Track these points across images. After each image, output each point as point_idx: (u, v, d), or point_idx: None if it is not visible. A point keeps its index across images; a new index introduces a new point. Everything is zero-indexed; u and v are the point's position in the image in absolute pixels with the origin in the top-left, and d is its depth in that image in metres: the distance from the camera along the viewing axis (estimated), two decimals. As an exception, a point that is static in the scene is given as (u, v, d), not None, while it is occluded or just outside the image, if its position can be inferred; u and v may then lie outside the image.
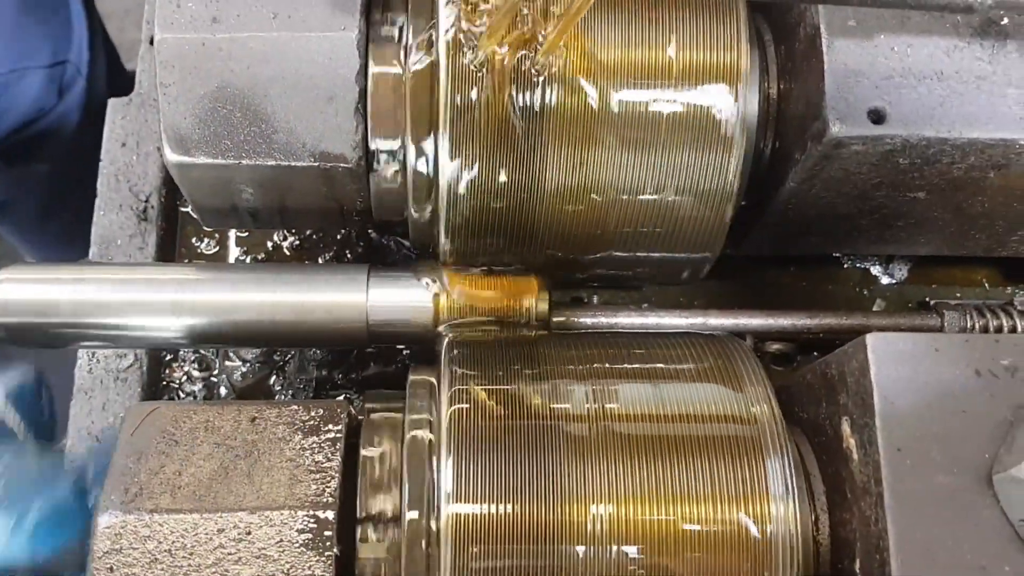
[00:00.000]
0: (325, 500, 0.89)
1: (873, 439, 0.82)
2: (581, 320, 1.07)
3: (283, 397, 1.27)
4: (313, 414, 0.95)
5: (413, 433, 0.93)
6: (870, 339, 0.85)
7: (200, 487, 0.89)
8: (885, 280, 1.36)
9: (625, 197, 0.99)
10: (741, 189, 1.03)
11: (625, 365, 0.97)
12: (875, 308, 1.33)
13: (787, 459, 0.89)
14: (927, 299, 1.34)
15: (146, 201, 1.34)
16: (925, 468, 0.81)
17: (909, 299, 1.35)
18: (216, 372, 1.29)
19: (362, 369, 1.27)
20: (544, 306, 1.05)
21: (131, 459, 0.91)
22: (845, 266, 1.36)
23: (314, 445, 0.93)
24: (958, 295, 1.34)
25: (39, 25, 1.88)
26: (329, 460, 0.92)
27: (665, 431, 0.90)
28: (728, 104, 0.96)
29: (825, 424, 0.92)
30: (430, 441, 0.92)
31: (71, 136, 1.92)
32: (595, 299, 1.28)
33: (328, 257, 1.34)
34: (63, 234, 2.19)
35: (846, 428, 0.88)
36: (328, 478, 0.90)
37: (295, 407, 0.96)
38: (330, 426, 0.94)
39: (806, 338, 1.20)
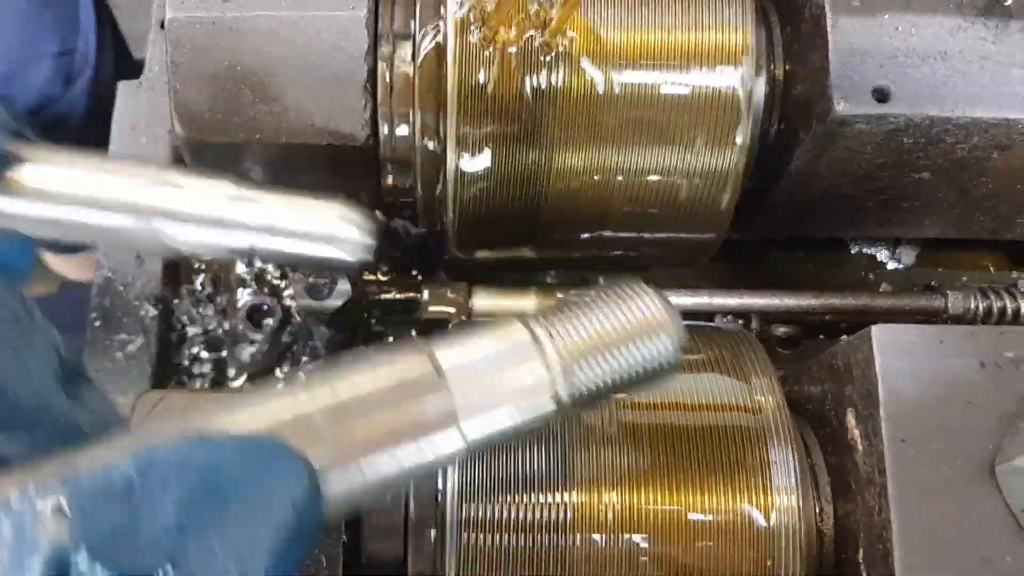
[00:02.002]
0: None
1: (877, 430, 0.83)
2: (587, 300, 1.07)
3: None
4: None
5: None
6: (875, 330, 0.85)
7: None
8: (892, 265, 1.36)
9: (631, 178, 1.00)
10: (747, 170, 1.03)
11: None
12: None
13: (792, 450, 0.89)
14: (933, 283, 1.34)
15: (156, 184, 1.35)
16: (929, 459, 0.81)
17: (915, 283, 1.34)
18: (225, 353, 1.29)
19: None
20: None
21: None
22: (852, 251, 1.36)
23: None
24: (964, 279, 1.34)
25: (46, 14, 1.88)
26: None
27: (672, 420, 0.91)
28: (734, 85, 0.96)
29: (830, 415, 0.93)
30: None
31: (78, 125, 1.91)
32: (601, 280, 1.28)
33: (336, 240, 1.33)
34: None
35: (851, 419, 0.88)
36: None
37: None
38: None
39: (811, 320, 1.21)
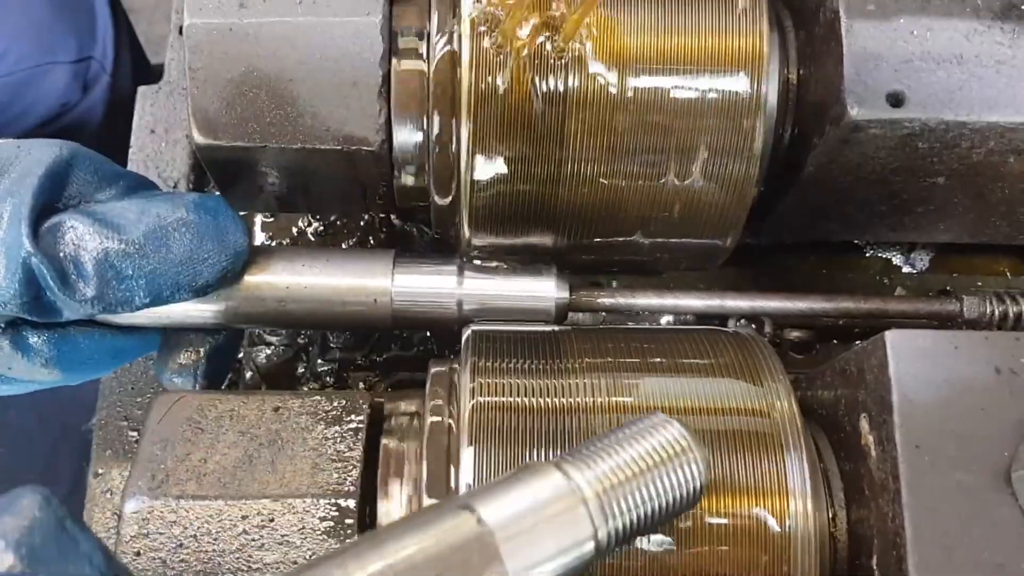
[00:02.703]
0: (347, 489, 0.90)
1: (891, 436, 0.82)
2: (600, 300, 1.07)
3: (307, 378, 1.28)
4: (336, 404, 0.96)
5: (434, 423, 0.94)
6: (889, 335, 0.84)
7: (225, 474, 0.91)
8: (906, 269, 1.36)
9: (645, 183, 1.00)
10: (760, 175, 1.03)
11: (645, 359, 0.97)
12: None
13: (805, 455, 0.89)
14: (948, 288, 1.34)
15: (174, 187, 1.36)
16: (943, 465, 0.81)
17: (931, 288, 1.35)
18: (241, 355, 1.30)
19: (384, 351, 1.29)
20: (565, 294, 1.06)
21: (158, 446, 0.92)
22: (866, 255, 1.36)
23: (336, 435, 0.94)
24: (979, 284, 1.34)
25: (64, 21, 1.91)
26: (351, 450, 0.93)
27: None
28: (749, 90, 0.96)
29: (844, 421, 0.92)
30: (450, 433, 0.93)
31: (95, 132, 1.96)
32: (613, 284, 1.29)
33: (351, 243, 1.35)
34: None
35: (864, 425, 0.87)
36: (350, 467, 0.91)
37: (318, 397, 0.97)
38: (352, 416, 0.95)
39: (825, 324, 1.20)
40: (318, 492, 0.90)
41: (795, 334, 1.27)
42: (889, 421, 0.83)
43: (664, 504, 0.78)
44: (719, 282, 1.33)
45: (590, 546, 0.75)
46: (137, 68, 2.07)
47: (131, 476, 0.91)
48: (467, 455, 0.89)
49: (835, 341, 1.30)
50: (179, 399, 0.97)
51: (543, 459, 0.87)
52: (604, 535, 0.75)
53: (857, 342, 1.26)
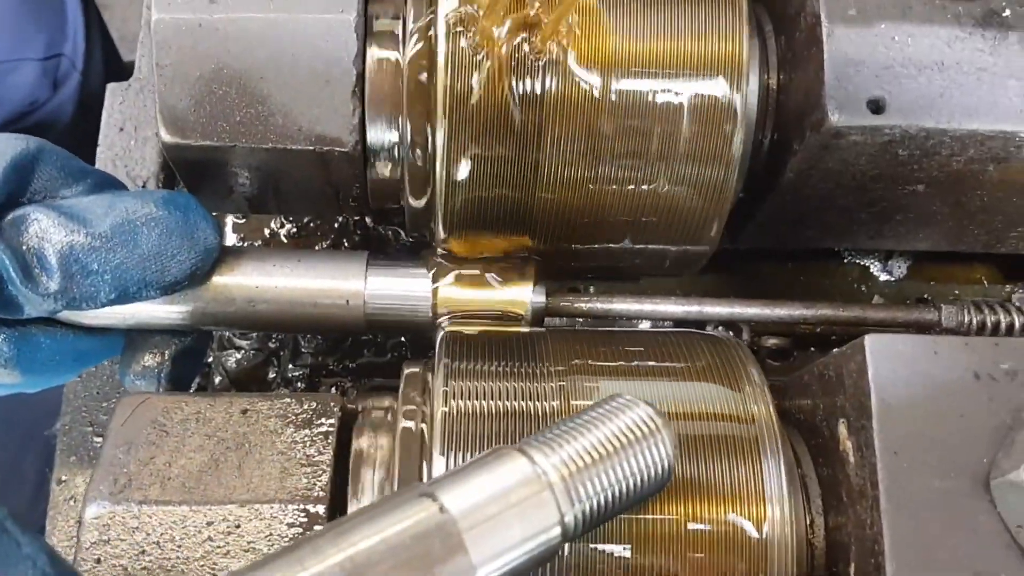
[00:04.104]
0: (316, 494, 0.88)
1: (870, 442, 0.81)
2: (576, 305, 1.06)
3: (277, 383, 1.26)
4: (306, 407, 0.94)
5: (406, 429, 0.92)
6: (868, 340, 0.84)
7: (190, 479, 0.89)
8: (884, 277, 1.35)
9: (624, 187, 0.99)
10: (740, 181, 1.02)
11: (622, 362, 0.96)
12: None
13: (783, 460, 0.88)
14: (925, 296, 1.34)
15: (143, 186, 1.33)
16: (922, 472, 0.80)
17: (908, 296, 1.35)
18: (210, 359, 1.28)
19: (356, 357, 1.27)
20: (542, 294, 1.05)
21: (120, 449, 0.90)
22: (844, 262, 1.35)
23: (306, 438, 0.92)
24: (956, 293, 1.34)
25: (33, 18, 1.88)
26: (321, 454, 0.91)
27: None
28: (728, 95, 0.95)
29: (822, 426, 0.91)
30: (423, 436, 0.92)
31: (66, 130, 1.94)
32: (591, 289, 1.27)
33: (325, 245, 1.33)
34: None
35: (843, 430, 0.86)
36: (319, 472, 0.90)
37: (287, 400, 0.95)
38: (322, 419, 0.93)
39: (802, 332, 1.20)
40: (286, 497, 0.88)
41: (773, 341, 1.27)
42: (868, 427, 0.82)
43: (632, 486, 0.77)
44: (696, 287, 1.32)
45: (556, 532, 0.73)
46: (109, 65, 2.05)
47: (92, 480, 0.89)
48: (439, 460, 0.87)
49: (812, 348, 1.30)
50: (144, 401, 0.95)
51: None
52: (571, 520, 0.74)
53: (835, 349, 1.24)
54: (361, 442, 0.94)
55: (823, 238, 1.19)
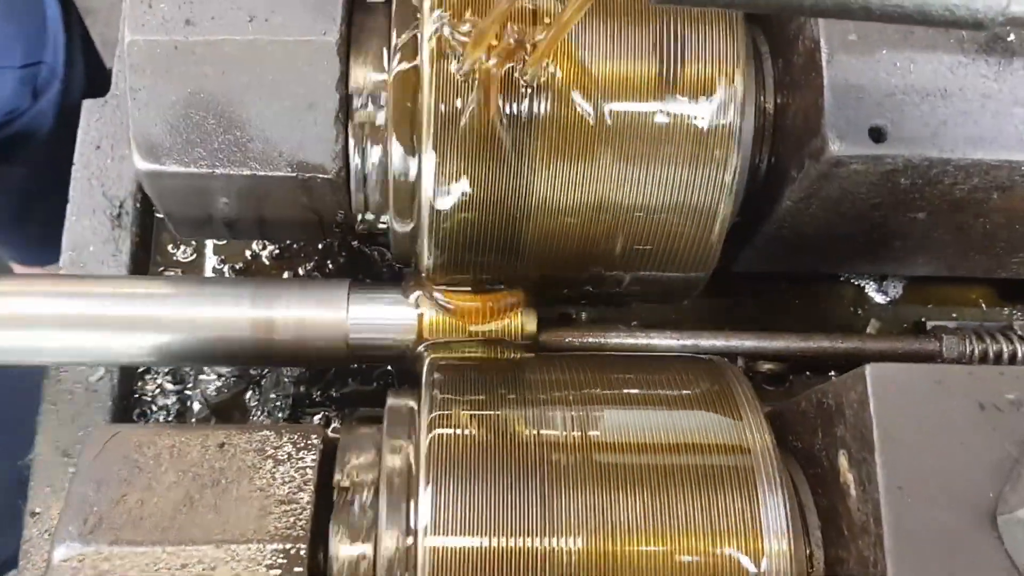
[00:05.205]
0: (296, 533, 0.85)
1: (873, 476, 0.79)
2: (568, 340, 1.04)
3: (259, 413, 1.22)
4: (285, 440, 0.91)
5: (391, 461, 0.90)
6: (870, 370, 0.81)
7: (164, 518, 0.85)
8: (879, 298, 1.33)
9: (616, 214, 0.96)
10: (735, 206, 0.99)
11: (615, 390, 0.94)
12: (870, 328, 1.30)
13: (783, 492, 0.85)
14: (922, 319, 1.31)
15: (120, 206, 1.29)
16: (927, 507, 0.78)
17: (904, 319, 1.31)
18: (190, 385, 1.25)
19: (341, 386, 1.23)
20: (532, 325, 1.02)
21: (91, 487, 0.87)
22: (839, 283, 1.32)
23: (286, 474, 0.89)
24: (954, 316, 1.31)
25: (11, 25, 1.84)
26: (301, 490, 0.88)
27: (655, 460, 0.87)
28: (724, 119, 0.92)
29: (821, 456, 0.89)
30: (409, 469, 0.89)
31: (47, 138, 1.89)
32: (583, 316, 1.24)
33: (309, 267, 1.29)
34: (40, 236, 2.15)
35: (843, 462, 0.84)
36: (300, 509, 0.87)
37: (266, 432, 0.92)
38: (303, 453, 0.90)
39: (799, 356, 1.17)
40: (265, 537, 0.85)
41: (768, 366, 1.24)
42: (870, 460, 0.80)
43: None
44: (687, 309, 1.29)
45: None
46: (91, 73, 2.01)
47: (61, 520, 0.86)
48: (425, 494, 0.84)
49: (808, 373, 1.26)
50: (116, 434, 0.92)
51: (507, 498, 0.83)
52: None
53: (832, 373, 1.22)
54: (344, 476, 0.91)
55: (820, 264, 1.17)
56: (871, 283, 1.33)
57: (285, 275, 1.28)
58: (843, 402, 0.84)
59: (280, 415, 1.22)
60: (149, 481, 0.87)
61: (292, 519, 0.86)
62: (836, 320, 1.31)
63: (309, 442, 0.91)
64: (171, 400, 1.25)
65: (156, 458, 0.89)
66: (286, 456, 0.90)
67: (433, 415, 0.89)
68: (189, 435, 0.91)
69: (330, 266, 1.30)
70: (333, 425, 1.21)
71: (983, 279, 1.30)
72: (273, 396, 1.22)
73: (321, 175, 0.95)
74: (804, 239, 1.06)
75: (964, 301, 1.32)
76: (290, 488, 0.88)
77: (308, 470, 0.89)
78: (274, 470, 0.89)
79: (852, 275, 1.32)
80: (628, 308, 1.25)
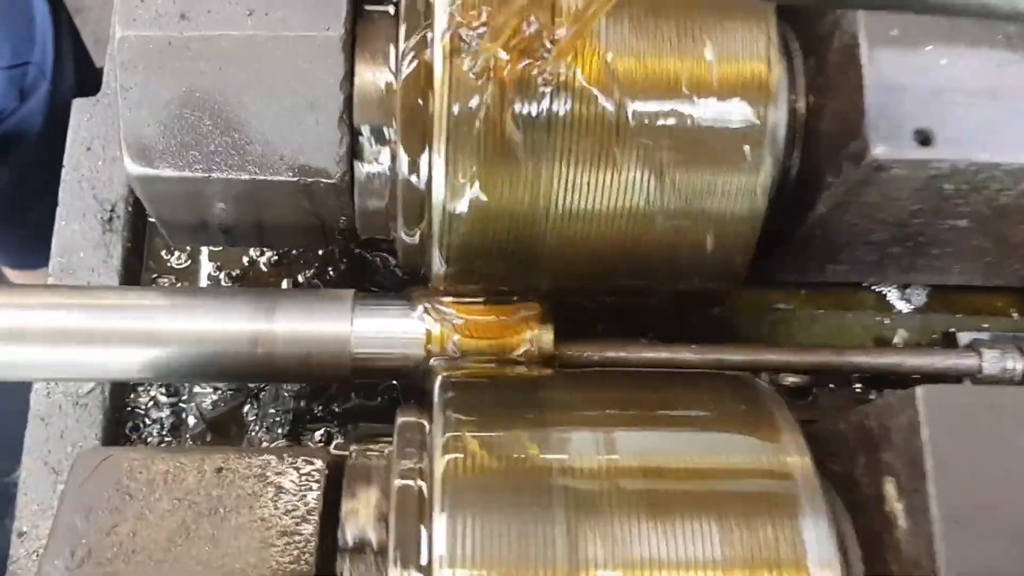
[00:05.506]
0: (301, 568, 0.80)
1: (925, 507, 0.74)
2: (587, 355, 0.98)
3: (257, 428, 1.17)
4: (288, 464, 0.86)
5: (402, 486, 0.84)
6: (921, 392, 0.76)
7: (157, 550, 0.80)
8: (902, 306, 1.27)
9: (640, 221, 0.91)
10: (766, 213, 0.94)
11: (642, 411, 0.88)
12: (897, 339, 1.24)
13: (828, 520, 0.79)
14: (952, 329, 1.25)
15: (112, 210, 1.24)
16: (985, 544, 0.73)
17: (932, 329, 1.25)
18: (185, 398, 1.19)
19: (343, 401, 1.18)
20: (549, 338, 0.97)
21: (79, 516, 0.82)
22: (860, 289, 1.25)
23: (289, 503, 0.84)
24: (985, 326, 1.25)
25: (-3, 25, 1.81)
26: (306, 520, 0.83)
27: (689, 487, 0.82)
28: (756, 120, 0.88)
29: (862, 481, 0.84)
30: (421, 495, 0.83)
31: (36, 140, 1.86)
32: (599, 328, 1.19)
33: (309, 274, 1.24)
34: (31, 240, 2.11)
35: (891, 490, 0.79)
36: (304, 542, 0.82)
37: (268, 457, 0.87)
38: (307, 479, 0.85)
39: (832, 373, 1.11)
40: (267, 572, 0.80)
41: (791, 379, 1.18)
42: (923, 491, 0.75)
43: None
44: (702, 319, 1.23)
45: None
46: (82, 73, 1.97)
47: (47, 552, 0.81)
48: (440, 523, 0.79)
49: (831, 386, 1.21)
50: (106, 458, 0.87)
51: (528, 527, 0.78)
52: None
53: (857, 386, 1.17)
54: (351, 504, 0.86)
55: (849, 274, 1.11)
56: (893, 290, 1.27)
57: (284, 282, 1.23)
58: (890, 425, 0.80)
59: (280, 431, 1.16)
60: (142, 510, 0.83)
61: (296, 552, 0.82)
62: (858, 329, 1.24)
63: (313, 467, 0.86)
64: (165, 413, 1.20)
65: (149, 484, 0.84)
66: (289, 483, 0.85)
67: (447, 437, 0.83)
68: (184, 459, 0.87)
69: (331, 273, 1.24)
70: (336, 441, 1.16)
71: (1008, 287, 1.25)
72: (272, 411, 1.17)
73: (324, 180, 0.91)
74: (835, 248, 1.01)
75: (992, 310, 1.26)
76: (293, 518, 0.83)
77: (312, 499, 0.84)
78: (276, 498, 0.84)
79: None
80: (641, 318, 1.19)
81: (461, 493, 0.80)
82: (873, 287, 1.26)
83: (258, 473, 0.85)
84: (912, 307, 1.26)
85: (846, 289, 1.26)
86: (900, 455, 0.78)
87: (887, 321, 1.26)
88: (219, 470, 0.86)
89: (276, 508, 0.83)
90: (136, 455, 0.87)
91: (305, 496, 0.84)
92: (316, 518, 0.83)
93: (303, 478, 0.85)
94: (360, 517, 0.85)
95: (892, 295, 1.26)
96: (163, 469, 0.85)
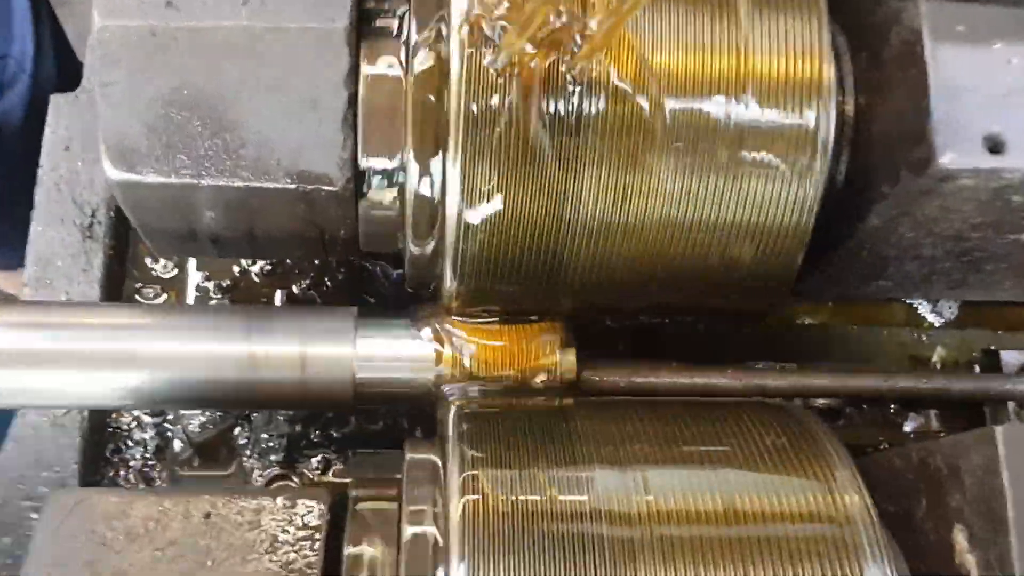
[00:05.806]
0: None
1: (1007, 562, 0.68)
2: (613, 380, 0.91)
3: (249, 454, 1.10)
4: (284, 509, 0.79)
5: (414, 530, 0.79)
6: (1002, 432, 0.70)
7: None
8: (933, 319, 1.22)
9: (676, 232, 0.86)
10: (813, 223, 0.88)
11: (679, 446, 0.82)
12: (935, 357, 1.19)
13: (888, 567, 0.73)
14: (991, 346, 1.19)
15: (92, 215, 1.18)
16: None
17: (971, 346, 1.20)
18: (170, 418, 1.12)
19: (342, 425, 1.11)
20: (571, 363, 0.91)
21: (50, 568, 0.75)
22: (889, 301, 1.20)
23: (286, 555, 0.77)
24: (1028, 342, 1.20)
25: (-26, 20, 1.76)
26: (305, 574, 0.76)
27: (734, 532, 0.75)
28: (805, 123, 0.82)
29: (923, 525, 0.78)
30: (435, 541, 0.77)
31: (15, 137, 1.80)
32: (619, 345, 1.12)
33: (304, 285, 1.18)
34: (9, 244, 2.06)
35: (961, 539, 0.73)
36: None
37: (262, 499, 0.80)
38: (306, 524, 0.79)
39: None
40: (262, 635, 0.75)
41: (822, 402, 1.12)
42: (1003, 543, 0.70)
43: None
44: (726, 335, 1.16)
45: None
46: (63, 67, 1.94)
47: (15, 609, 0.74)
48: (459, 571, 0.73)
49: (864, 407, 1.15)
50: (80, 501, 0.81)
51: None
52: None
53: (892, 407, 1.11)
54: (356, 550, 0.80)
55: (895, 290, 1.06)
56: (924, 302, 1.22)
57: (278, 293, 1.17)
58: (960, 466, 0.74)
59: (273, 457, 1.10)
60: (120, 563, 0.76)
61: (295, 610, 0.76)
62: (894, 346, 1.20)
63: (312, 513, 0.80)
64: (149, 435, 1.13)
65: (128, 534, 0.78)
66: (286, 531, 0.79)
67: (464, 476, 0.78)
68: (168, 503, 0.80)
69: (328, 285, 1.19)
70: (335, 467, 1.09)
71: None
72: (265, 436, 1.09)
73: (325, 187, 0.86)
74: (884, 263, 0.94)
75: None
76: (291, 572, 0.76)
77: (312, 552, 0.78)
78: (272, 550, 0.78)
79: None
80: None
81: (481, 539, 0.74)
82: (903, 299, 1.21)
83: (251, 519, 0.80)
84: (943, 320, 1.22)
85: (874, 303, 1.21)
86: (973, 500, 0.72)
87: (923, 338, 1.21)
88: (207, 516, 0.80)
89: (272, 560, 0.77)
90: (114, 497, 0.81)
91: (304, 548, 0.78)
92: (317, 573, 0.76)
93: (303, 522, 0.79)
94: (366, 563, 0.79)
95: (923, 308, 1.22)
96: (145, 515, 0.79)
